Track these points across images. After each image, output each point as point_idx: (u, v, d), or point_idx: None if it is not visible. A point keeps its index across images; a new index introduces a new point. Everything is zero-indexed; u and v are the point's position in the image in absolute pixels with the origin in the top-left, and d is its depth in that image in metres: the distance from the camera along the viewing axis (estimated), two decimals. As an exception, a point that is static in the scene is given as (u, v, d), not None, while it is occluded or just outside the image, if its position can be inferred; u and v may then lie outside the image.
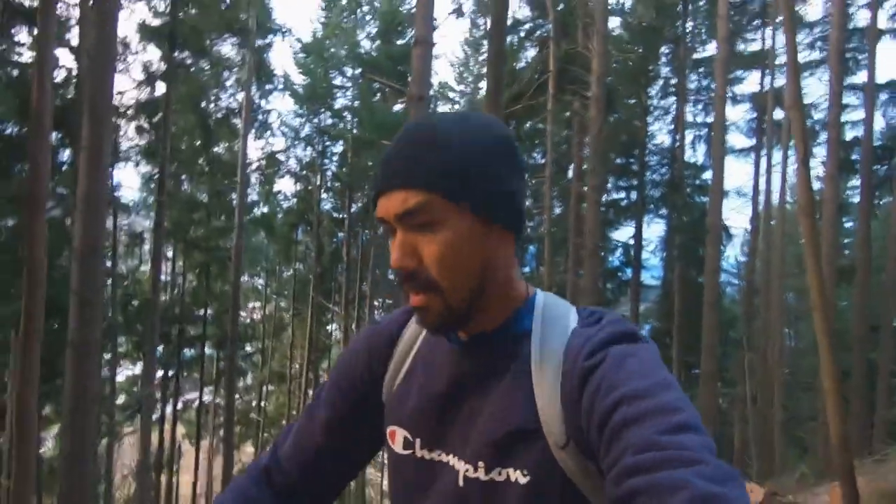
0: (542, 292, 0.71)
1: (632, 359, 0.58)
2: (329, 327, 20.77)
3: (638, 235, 17.87)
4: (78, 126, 5.73)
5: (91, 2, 4.86)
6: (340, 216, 18.60)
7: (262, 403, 20.02)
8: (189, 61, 11.11)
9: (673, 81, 17.93)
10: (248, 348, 20.14)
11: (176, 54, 9.34)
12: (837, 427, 4.08)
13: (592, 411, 0.56)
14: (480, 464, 0.64)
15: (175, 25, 8.94)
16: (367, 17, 17.72)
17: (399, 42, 16.91)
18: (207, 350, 16.27)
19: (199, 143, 12.99)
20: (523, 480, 0.62)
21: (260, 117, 15.02)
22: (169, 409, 15.01)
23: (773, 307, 11.46)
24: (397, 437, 0.73)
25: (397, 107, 16.07)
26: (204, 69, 11.09)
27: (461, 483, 0.65)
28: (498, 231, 0.65)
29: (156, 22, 9.65)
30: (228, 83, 12.87)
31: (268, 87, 15.22)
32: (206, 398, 16.69)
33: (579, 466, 0.60)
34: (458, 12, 12.90)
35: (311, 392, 13.60)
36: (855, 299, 11.08)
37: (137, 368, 14.75)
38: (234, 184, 13.37)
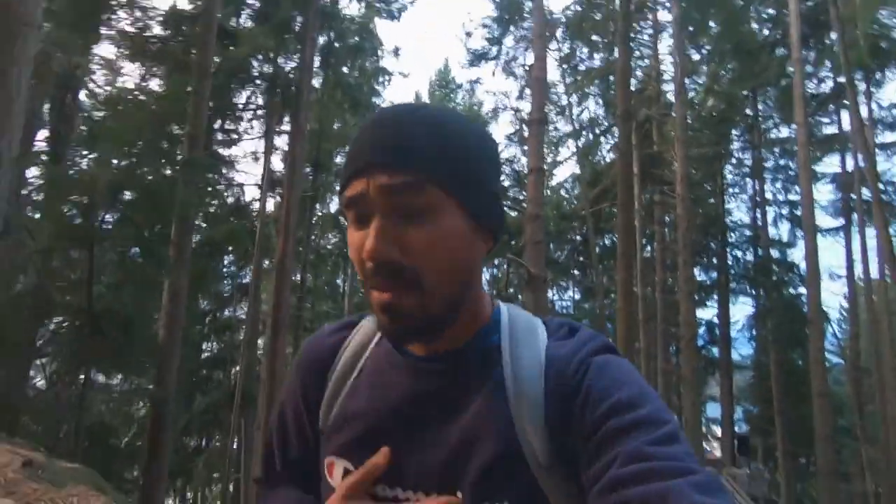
0: (504, 304, 0.66)
1: (616, 368, 0.57)
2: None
3: (724, 314, 17.43)
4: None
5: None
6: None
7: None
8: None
9: (748, 161, 18.15)
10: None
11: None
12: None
13: (583, 425, 0.54)
14: (459, 495, 0.56)
15: (319, 154, 11.19)
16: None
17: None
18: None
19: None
20: None
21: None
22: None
23: (891, 394, 10.74)
24: (336, 470, 0.63)
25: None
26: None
27: None
28: (481, 235, 0.60)
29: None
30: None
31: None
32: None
33: (563, 491, 0.56)
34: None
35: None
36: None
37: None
38: (330, 271, 14.99)
